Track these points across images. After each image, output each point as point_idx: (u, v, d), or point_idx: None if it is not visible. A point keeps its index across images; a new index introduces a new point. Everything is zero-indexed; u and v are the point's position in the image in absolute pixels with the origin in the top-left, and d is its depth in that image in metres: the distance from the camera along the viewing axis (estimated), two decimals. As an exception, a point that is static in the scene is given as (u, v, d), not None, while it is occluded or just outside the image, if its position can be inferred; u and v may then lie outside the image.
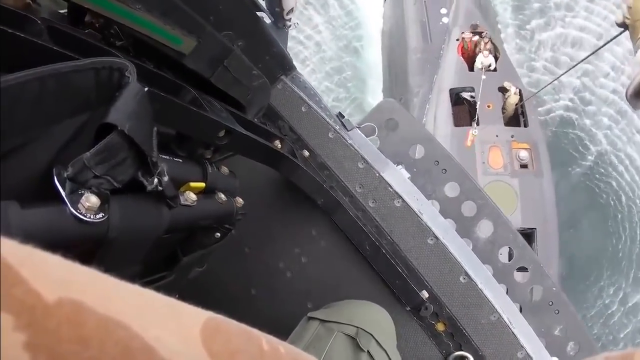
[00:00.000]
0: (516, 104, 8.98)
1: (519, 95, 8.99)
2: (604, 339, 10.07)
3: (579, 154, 11.79)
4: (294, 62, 1.67)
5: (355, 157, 1.56)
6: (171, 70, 1.45)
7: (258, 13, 1.49)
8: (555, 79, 7.57)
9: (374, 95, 12.86)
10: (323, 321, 1.35)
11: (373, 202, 1.56)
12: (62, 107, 0.87)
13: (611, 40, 3.61)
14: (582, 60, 5.20)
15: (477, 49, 9.30)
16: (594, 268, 10.68)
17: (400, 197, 1.54)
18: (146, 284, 1.19)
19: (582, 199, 11.31)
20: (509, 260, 1.76)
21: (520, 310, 1.68)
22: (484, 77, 8.62)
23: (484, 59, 9.13)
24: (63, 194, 0.81)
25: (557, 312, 1.72)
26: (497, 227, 1.74)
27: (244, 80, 1.48)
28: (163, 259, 1.20)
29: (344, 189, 1.57)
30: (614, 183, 11.44)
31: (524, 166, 8.40)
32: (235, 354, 0.33)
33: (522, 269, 1.79)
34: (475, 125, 8.43)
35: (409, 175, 1.65)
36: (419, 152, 1.77)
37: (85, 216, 0.82)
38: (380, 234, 1.54)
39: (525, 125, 8.88)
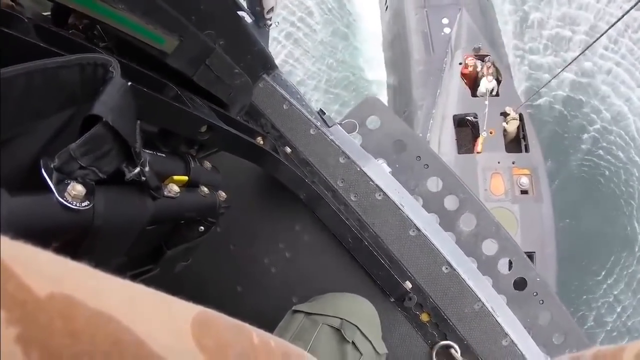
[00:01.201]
0: (517, 127, 9.19)
1: (519, 119, 9.15)
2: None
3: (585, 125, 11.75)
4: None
5: (337, 153, 1.64)
6: (155, 71, 1.52)
7: (239, 12, 1.57)
8: (558, 73, 7.68)
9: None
10: (308, 314, 1.40)
11: (355, 196, 1.64)
12: (49, 102, 0.93)
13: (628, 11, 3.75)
14: (591, 44, 5.37)
15: (480, 73, 9.48)
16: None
17: (382, 190, 1.61)
18: (132, 277, 1.25)
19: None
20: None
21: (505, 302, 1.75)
22: (486, 102, 8.80)
23: (487, 83, 9.33)
24: (50, 183, 0.87)
25: (541, 302, 1.79)
26: (479, 220, 1.82)
27: (226, 78, 1.55)
28: (148, 252, 1.26)
29: (325, 183, 1.64)
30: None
31: (524, 192, 8.70)
32: (225, 347, 0.35)
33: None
34: (482, 134, 8.64)
35: (390, 169, 1.73)
36: (400, 148, 1.85)
37: (72, 204, 0.88)
38: (363, 227, 1.61)
39: (527, 151, 9.14)
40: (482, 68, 9.57)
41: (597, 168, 11.68)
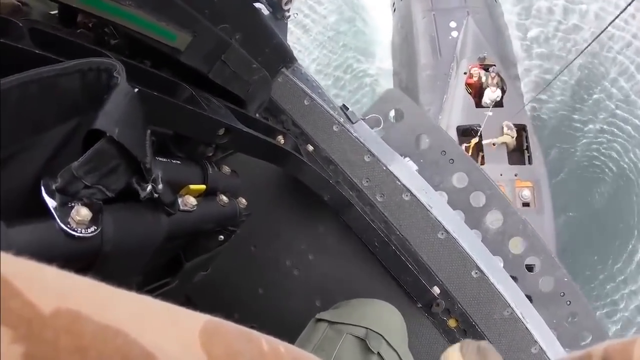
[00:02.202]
0: (520, 137, 8.74)
1: (523, 130, 8.71)
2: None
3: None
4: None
5: (361, 150, 1.47)
6: (169, 69, 1.37)
7: (255, 4, 1.39)
8: (564, 69, 7.23)
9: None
10: (331, 323, 1.28)
11: (381, 197, 1.48)
12: (48, 114, 0.80)
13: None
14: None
15: (485, 84, 9.00)
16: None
17: (409, 190, 1.45)
18: (149, 292, 1.12)
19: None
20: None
21: (531, 301, 1.60)
22: (490, 113, 8.30)
23: (491, 94, 8.82)
24: (51, 208, 0.74)
25: (568, 302, 1.63)
26: (506, 217, 1.65)
27: (244, 74, 1.39)
28: (165, 265, 1.13)
29: (350, 183, 1.48)
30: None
31: (525, 204, 8.23)
32: (235, 356, 0.32)
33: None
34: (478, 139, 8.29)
35: (416, 167, 1.56)
36: (425, 142, 1.67)
37: (76, 231, 0.75)
38: (389, 229, 1.45)
39: (530, 162, 8.68)
40: (486, 78, 9.07)
41: (610, 144, 10.77)
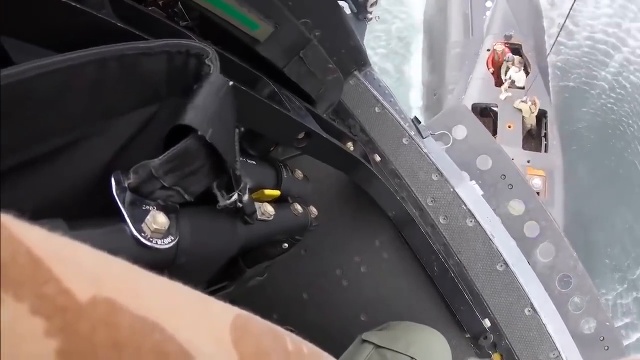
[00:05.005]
0: (532, 114, 7.72)
1: (538, 117, 7.74)
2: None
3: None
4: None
5: (430, 168, 1.27)
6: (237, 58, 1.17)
7: (339, 2, 1.18)
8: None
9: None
10: (377, 346, 1.09)
11: (444, 219, 1.27)
12: (125, 97, 0.61)
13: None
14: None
15: (507, 64, 7.99)
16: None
17: (474, 216, 1.24)
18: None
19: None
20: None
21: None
22: (509, 94, 7.49)
23: (514, 74, 7.81)
24: (124, 210, 0.55)
25: (606, 348, 1.43)
26: (558, 252, 1.44)
27: (319, 73, 1.19)
28: (224, 268, 0.94)
29: (414, 201, 1.28)
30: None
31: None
32: (263, 355, 0.27)
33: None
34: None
35: (482, 192, 1.35)
36: (485, 163, 1.46)
37: (151, 241, 0.56)
38: (448, 254, 1.25)
39: (546, 151, 7.65)
40: (509, 57, 7.93)
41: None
